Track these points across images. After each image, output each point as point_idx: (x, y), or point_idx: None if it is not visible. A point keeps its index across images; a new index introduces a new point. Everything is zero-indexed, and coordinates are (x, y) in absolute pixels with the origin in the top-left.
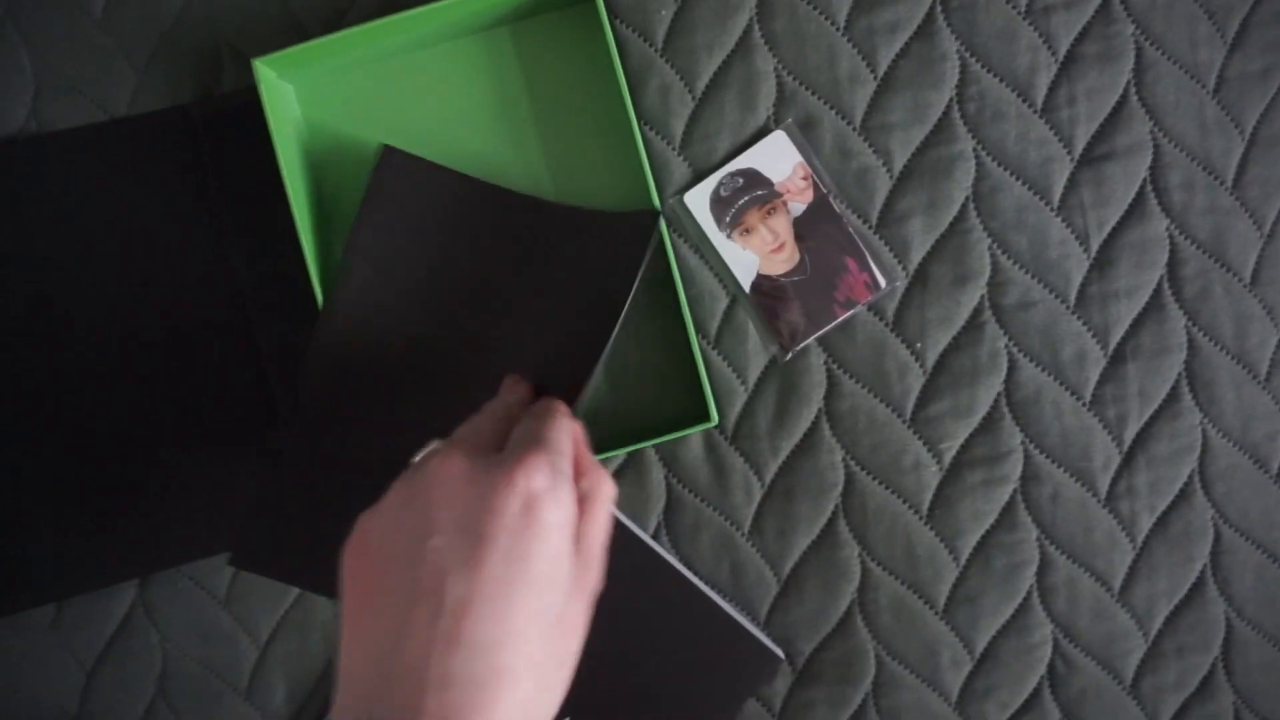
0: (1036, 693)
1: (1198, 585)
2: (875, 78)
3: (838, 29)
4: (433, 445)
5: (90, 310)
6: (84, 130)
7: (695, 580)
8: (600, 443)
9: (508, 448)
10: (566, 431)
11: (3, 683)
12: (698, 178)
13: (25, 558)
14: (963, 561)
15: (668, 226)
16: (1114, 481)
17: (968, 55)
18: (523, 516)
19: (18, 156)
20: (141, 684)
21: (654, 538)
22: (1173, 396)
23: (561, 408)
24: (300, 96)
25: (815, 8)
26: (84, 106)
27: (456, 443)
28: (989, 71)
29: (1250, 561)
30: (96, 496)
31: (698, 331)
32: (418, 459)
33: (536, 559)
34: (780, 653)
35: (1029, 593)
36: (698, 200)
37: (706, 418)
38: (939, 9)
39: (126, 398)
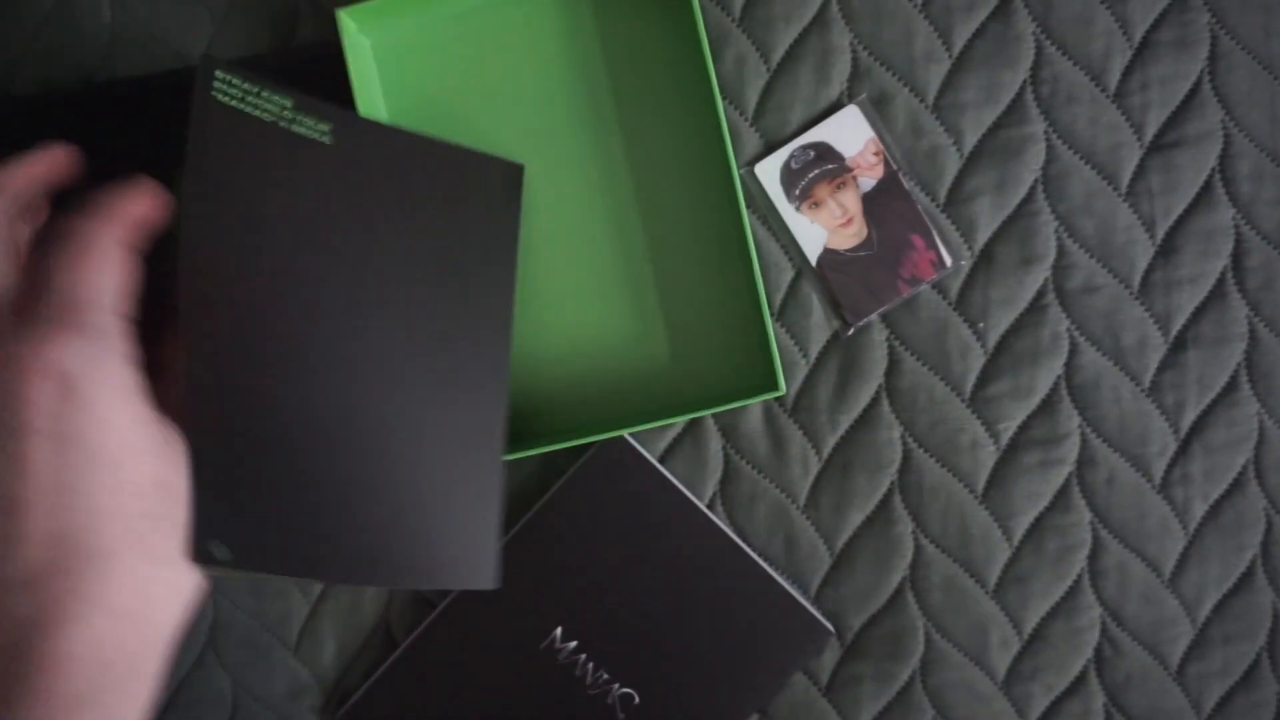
0: (1082, 676)
1: (1247, 575)
2: (950, 56)
3: (915, 5)
4: None
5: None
6: (156, 76)
7: (749, 551)
8: (661, 410)
9: (34, 309)
10: (104, 268)
11: None
12: (769, 149)
13: None
14: (1015, 542)
15: (744, 197)
16: (1169, 468)
17: (1043, 37)
18: (63, 401)
19: (91, 100)
20: (193, 635)
21: (709, 507)
22: (1231, 386)
23: (97, 225)
24: (376, 51)
25: None
26: (162, 56)
27: None
28: (1064, 54)
29: None
30: None
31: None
32: None
33: (95, 437)
34: (830, 627)
35: (1080, 576)
36: (768, 171)
37: (772, 387)
38: None
39: None
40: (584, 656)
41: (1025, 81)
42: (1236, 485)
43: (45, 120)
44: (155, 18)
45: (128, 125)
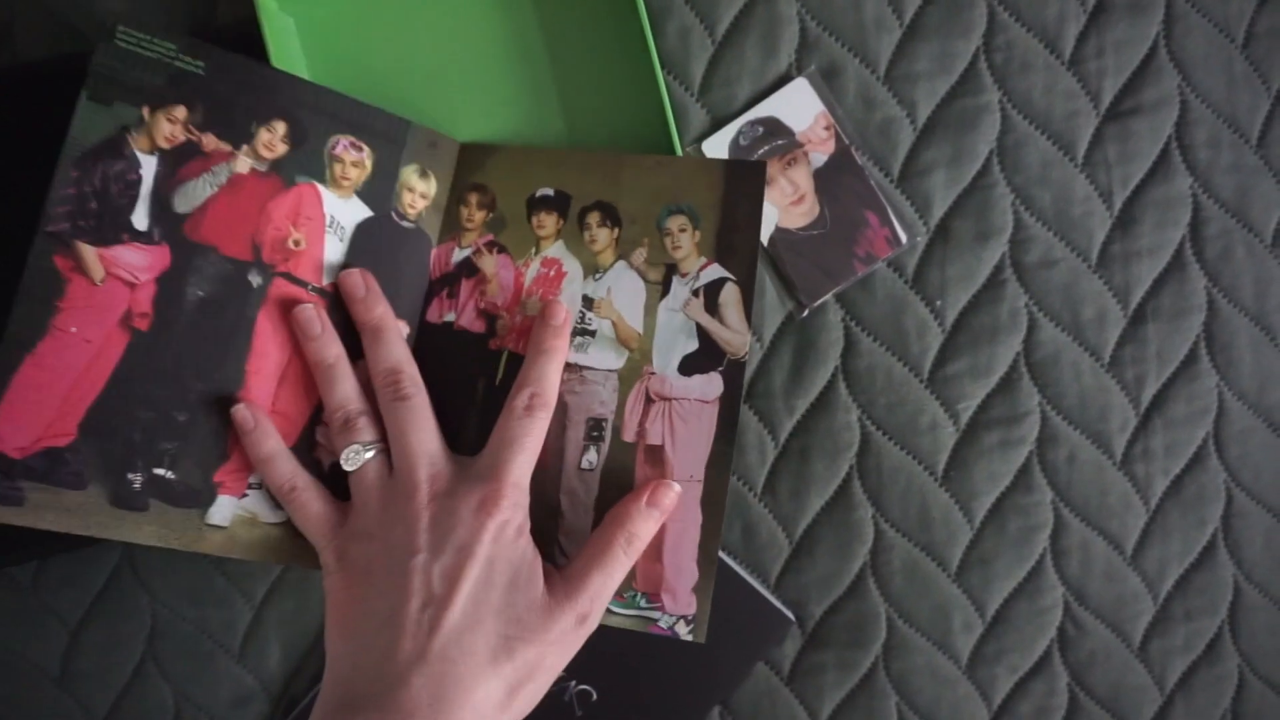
0: (1046, 656)
1: (1208, 549)
2: (901, 25)
3: None
4: (367, 453)
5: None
6: (70, 57)
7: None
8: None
9: (482, 467)
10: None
11: None
12: (716, 125)
13: None
14: (977, 524)
15: None
16: (1130, 444)
17: (996, 4)
18: (494, 542)
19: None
20: (130, 644)
21: None
22: (1191, 358)
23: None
24: (300, 30)
25: None
26: (65, 37)
27: (427, 462)
28: (1017, 21)
29: (1261, 525)
30: None
31: None
32: (367, 464)
33: (502, 566)
34: (790, 615)
35: (1042, 556)
36: (716, 149)
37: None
38: None
39: None
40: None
41: (979, 49)
42: (1197, 459)
43: None
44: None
45: (31, 108)
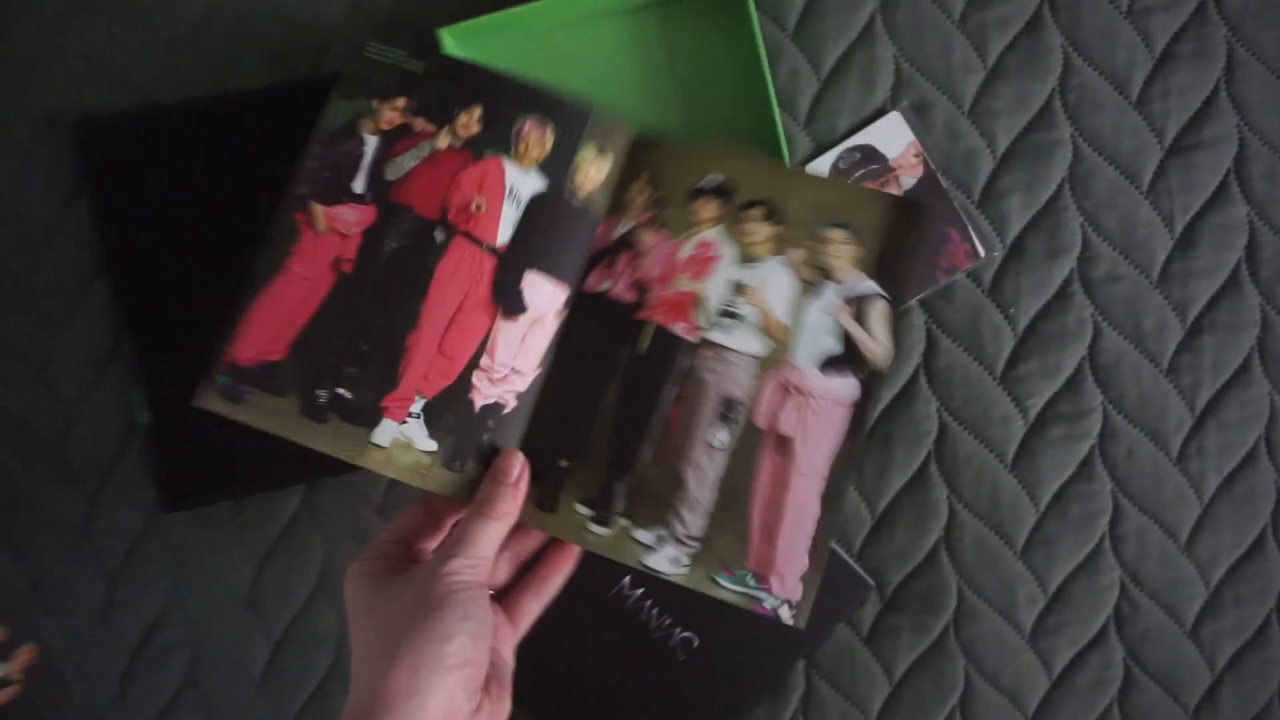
0: (1103, 631)
1: (1258, 542)
2: (985, 67)
3: (953, 21)
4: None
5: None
6: (282, 87)
7: None
8: None
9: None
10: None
11: (186, 567)
12: (819, 151)
13: (211, 460)
14: (1042, 508)
15: None
16: (1185, 443)
17: (1071, 50)
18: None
19: (224, 109)
20: (303, 577)
21: None
22: (1244, 368)
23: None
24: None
25: (933, 1)
26: (279, 66)
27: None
28: (1090, 65)
29: None
30: None
31: None
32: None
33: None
34: (871, 582)
35: (1101, 540)
36: (818, 171)
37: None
38: (1046, 6)
39: None
40: (650, 603)
41: (1054, 90)
42: (1249, 459)
43: (182, 128)
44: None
45: (256, 133)
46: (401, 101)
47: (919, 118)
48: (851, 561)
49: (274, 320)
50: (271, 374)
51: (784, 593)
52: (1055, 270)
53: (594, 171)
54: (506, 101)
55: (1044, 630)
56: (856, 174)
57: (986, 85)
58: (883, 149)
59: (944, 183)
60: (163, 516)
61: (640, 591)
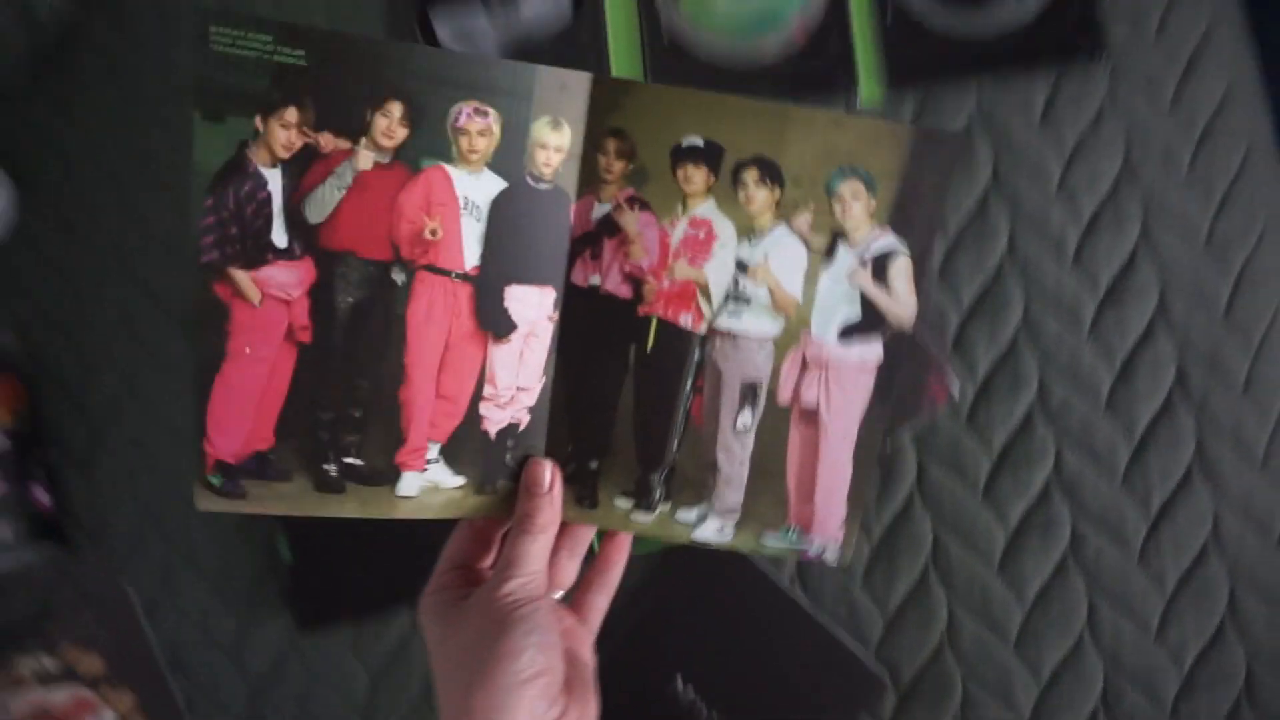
0: (1093, 716)
1: (1220, 630)
2: (946, 241)
3: None
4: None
5: None
6: None
7: (819, 618)
8: None
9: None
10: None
11: (316, 679)
12: None
13: (337, 589)
14: (1028, 606)
15: None
16: (1144, 543)
17: (1015, 222)
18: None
19: None
20: (411, 687)
21: (790, 584)
22: (1186, 478)
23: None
24: None
25: None
26: None
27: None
28: (1034, 234)
29: (1261, 614)
30: (380, 540)
31: None
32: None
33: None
34: (886, 678)
35: (1082, 632)
36: None
37: None
38: (992, 189)
39: None
40: (700, 701)
41: (1003, 254)
42: (1201, 557)
43: None
44: None
45: None
46: (292, 114)
47: None
48: (867, 660)
49: (243, 410)
50: (266, 463)
51: (826, 538)
52: (1018, 402)
53: (554, 148)
54: (429, 86)
55: (1041, 715)
56: None
57: (949, 256)
58: None
59: (921, 337)
60: (297, 636)
61: (691, 692)
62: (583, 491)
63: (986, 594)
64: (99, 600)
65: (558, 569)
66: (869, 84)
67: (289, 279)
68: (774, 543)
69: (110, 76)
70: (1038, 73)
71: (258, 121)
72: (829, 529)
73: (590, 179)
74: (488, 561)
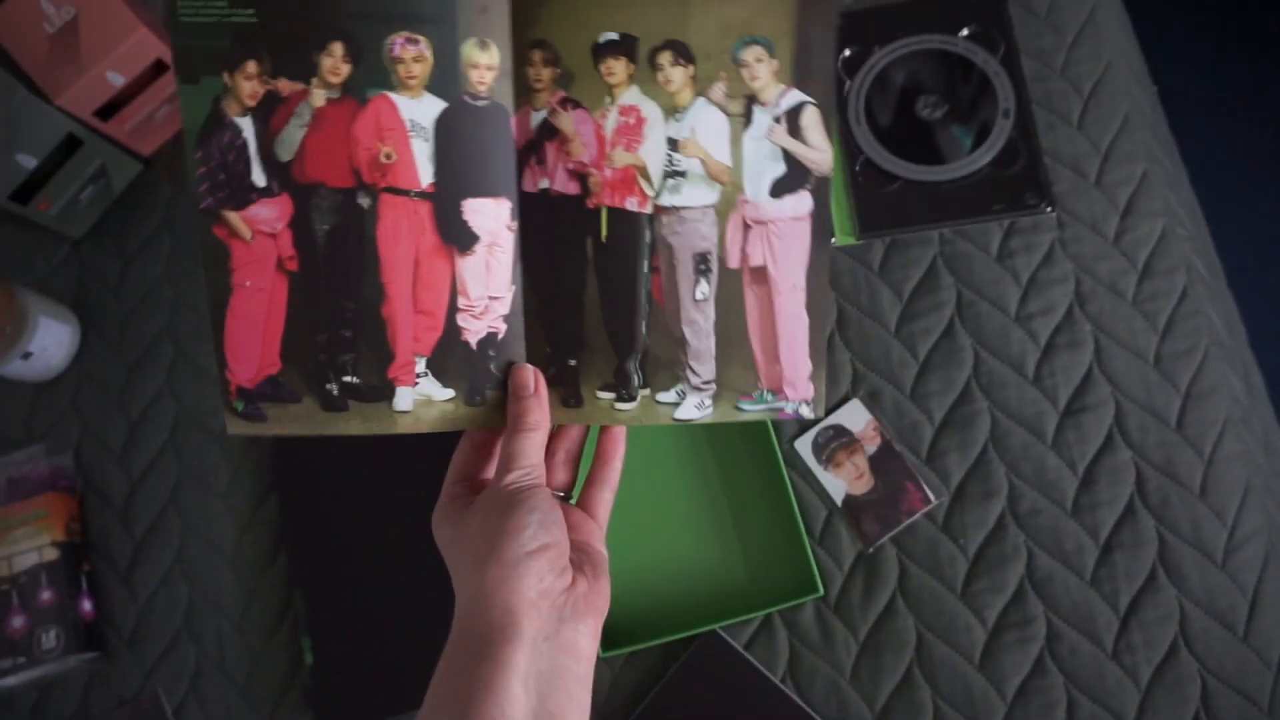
0: None
1: None
2: (917, 362)
3: (889, 333)
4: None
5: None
6: None
7: (813, 714)
8: (741, 610)
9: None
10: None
11: None
12: (802, 430)
13: (356, 690)
14: (1009, 701)
15: (785, 465)
16: (1116, 639)
17: (979, 346)
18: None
19: None
20: None
21: (781, 681)
22: (1152, 577)
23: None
24: None
25: (873, 319)
26: None
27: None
28: (994, 356)
29: (1234, 704)
30: (400, 641)
31: (808, 533)
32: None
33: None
34: None
35: None
36: (804, 446)
37: (814, 590)
38: (956, 318)
39: (425, 566)
40: None
41: (970, 376)
42: (1172, 652)
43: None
44: None
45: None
46: (252, 66)
47: (874, 402)
48: None
49: (253, 337)
50: (278, 386)
51: (798, 395)
52: (990, 508)
53: (485, 66)
54: (363, 23)
55: None
56: (831, 446)
57: (920, 376)
58: (848, 426)
59: (898, 448)
60: None
61: None
62: (567, 391)
63: (969, 690)
64: (133, 704)
65: (554, 473)
66: (843, 231)
67: (271, 214)
68: (750, 407)
69: (167, 231)
70: (992, 219)
71: (225, 77)
72: (799, 386)
73: (524, 90)
74: (490, 471)
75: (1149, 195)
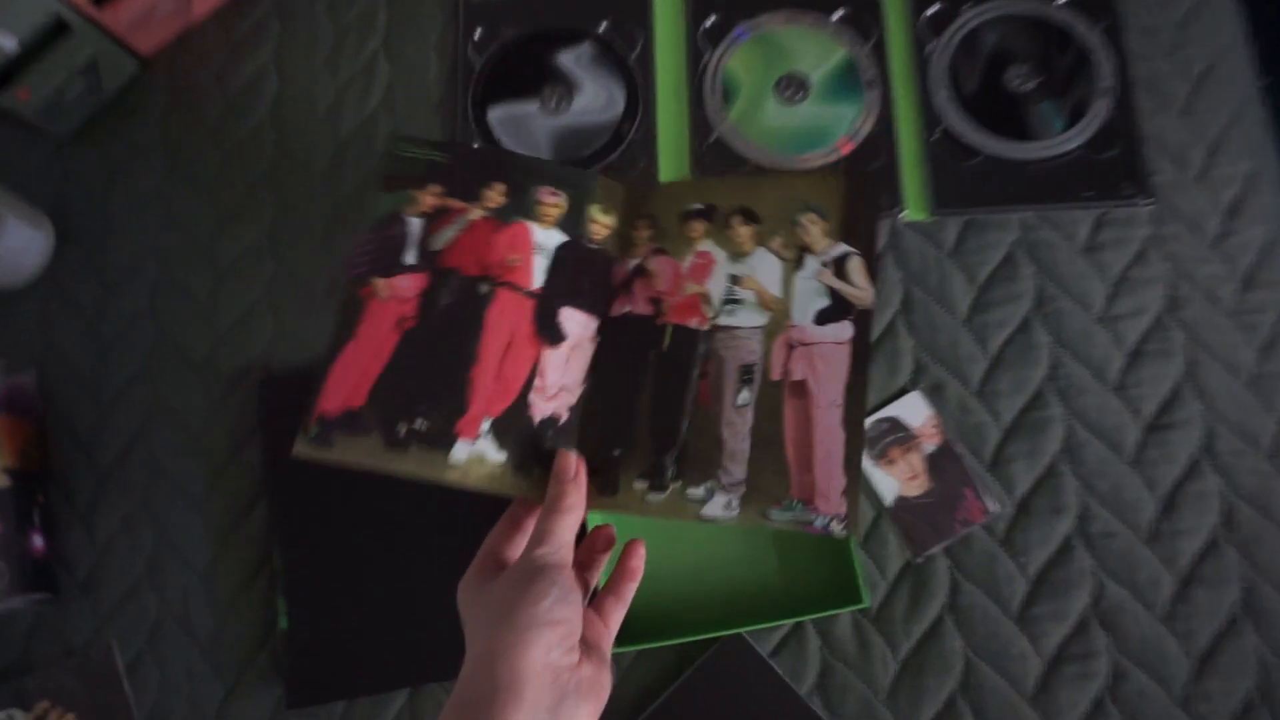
0: None
1: None
2: (987, 357)
3: (959, 321)
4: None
5: None
6: None
7: None
8: (772, 614)
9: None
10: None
11: None
12: None
13: (331, 664)
14: None
15: None
16: (1186, 688)
17: (1056, 344)
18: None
19: None
20: None
21: (808, 696)
22: (1233, 620)
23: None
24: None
25: (942, 306)
26: None
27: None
28: (1075, 359)
29: None
30: (384, 615)
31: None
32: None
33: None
34: None
35: None
36: None
37: (858, 600)
38: (1034, 311)
39: (415, 540)
40: None
41: (1045, 377)
42: (1248, 707)
43: None
44: None
45: None
46: (436, 188)
47: (936, 396)
48: None
49: (352, 375)
50: (354, 418)
51: (830, 509)
52: (1058, 526)
53: (602, 224)
54: (523, 176)
55: None
56: (885, 440)
57: (989, 372)
58: (906, 420)
59: (958, 449)
60: (286, 712)
61: None
62: (606, 480)
63: None
64: (81, 655)
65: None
66: (915, 206)
67: (409, 284)
68: (779, 516)
69: (161, 145)
70: (1082, 207)
71: (414, 192)
72: (831, 499)
73: (627, 246)
74: (519, 551)
75: (1257, 197)
